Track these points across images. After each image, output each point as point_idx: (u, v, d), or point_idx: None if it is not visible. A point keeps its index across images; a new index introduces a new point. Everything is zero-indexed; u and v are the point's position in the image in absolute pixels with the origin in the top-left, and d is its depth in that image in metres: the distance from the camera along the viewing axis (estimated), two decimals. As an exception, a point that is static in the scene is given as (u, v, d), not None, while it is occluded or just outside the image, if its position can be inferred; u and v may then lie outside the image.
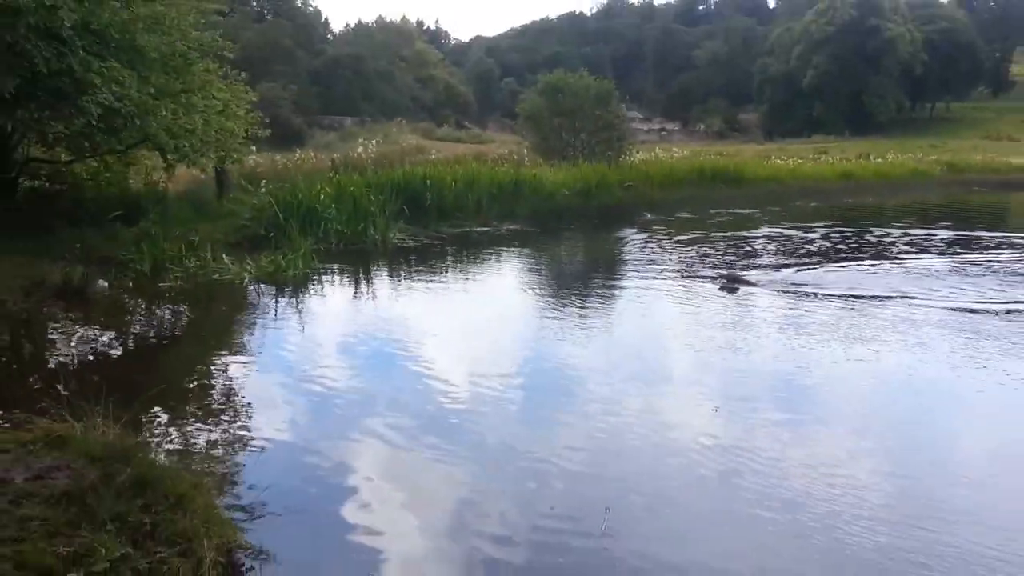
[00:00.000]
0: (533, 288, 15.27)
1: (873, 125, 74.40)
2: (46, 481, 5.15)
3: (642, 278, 15.19)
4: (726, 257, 17.98)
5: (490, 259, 18.22)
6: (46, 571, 4.37)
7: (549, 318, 12.40)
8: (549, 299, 14.05)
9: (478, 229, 21.23)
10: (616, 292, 14.48)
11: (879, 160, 42.89)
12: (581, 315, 12.58)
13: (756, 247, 19.71)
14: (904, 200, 33.33)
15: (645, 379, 9.51)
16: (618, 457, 7.10)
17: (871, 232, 22.09)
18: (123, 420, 5.91)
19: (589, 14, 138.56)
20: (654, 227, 22.85)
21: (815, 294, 13.56)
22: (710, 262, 17.10)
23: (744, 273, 14.91)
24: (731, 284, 14.02)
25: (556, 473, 6.73)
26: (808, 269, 16.23)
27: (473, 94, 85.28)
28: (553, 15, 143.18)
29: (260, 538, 5.51)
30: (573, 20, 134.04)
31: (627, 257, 18.23)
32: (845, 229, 22.81)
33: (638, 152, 33.77)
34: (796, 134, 73.24)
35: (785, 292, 13.83)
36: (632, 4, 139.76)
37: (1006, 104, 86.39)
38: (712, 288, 14.11)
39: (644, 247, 19.36)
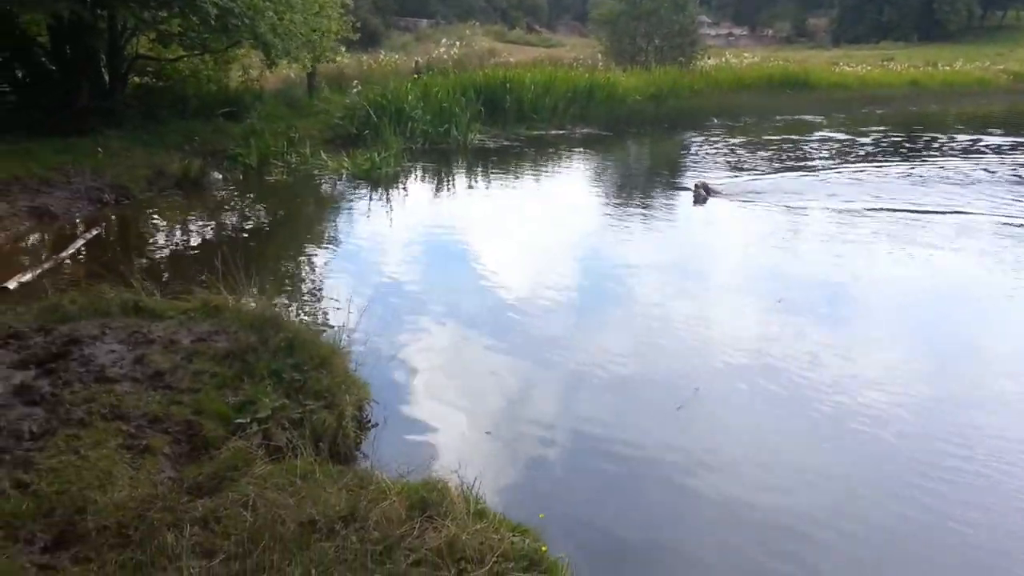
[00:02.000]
0: (601, 192, 15.41)
1: (942, 32, 70.61)
2: (209, 343, 5.75)
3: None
4: (780, 160, 17.84)
5: (564, 162, 18.21)
6: (221, 416, 4.97)
7: (612, 219, 12.61)
8: (613, 201, 14.21)
9: (553, 132, 21.18)
10: (672, 195, 14.62)
11: (946, 68, 41.01)
12: (642, 215, 12.85)
13: (807, 149, 19.43)
14: (967, 108, 32.01)
15: (692, 277, 9.95)
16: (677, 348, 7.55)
17: (921, 139, 21.47)
18: (263, 293, 6.48)
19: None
20: (718, 132, 22.51)
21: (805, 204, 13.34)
22: (759, 167, 17.07)
23: (716, 183, 14.20)
24: (705, 194, 13.49)
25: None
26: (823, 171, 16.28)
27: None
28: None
29: (380, 396, 6.09)
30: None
31: (688, 162, 18.16)
32: (895, 135, 22.25)
33: (709, 58, 32.86)
34: (864, 39, 69.94)
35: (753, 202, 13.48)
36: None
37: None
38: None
39: (702, 152, 19.23)
